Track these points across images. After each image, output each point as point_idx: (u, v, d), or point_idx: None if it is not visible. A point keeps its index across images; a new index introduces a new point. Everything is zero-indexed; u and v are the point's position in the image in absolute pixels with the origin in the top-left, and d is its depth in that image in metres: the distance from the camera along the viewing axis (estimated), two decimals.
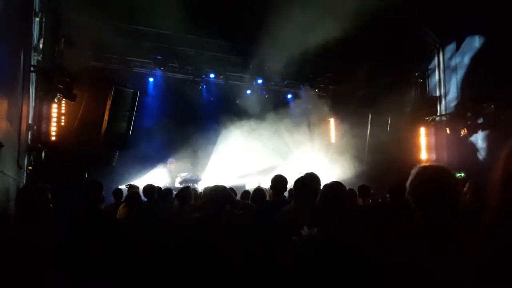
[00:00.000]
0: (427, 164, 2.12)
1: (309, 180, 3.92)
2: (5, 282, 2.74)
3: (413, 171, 2.07)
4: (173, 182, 12.27)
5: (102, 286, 3.17)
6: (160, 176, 12.43)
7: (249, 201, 5.33)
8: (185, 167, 13.23)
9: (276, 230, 3.37)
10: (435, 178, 1.98)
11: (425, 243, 1.87)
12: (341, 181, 4.07)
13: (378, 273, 1.96)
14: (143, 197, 6.23)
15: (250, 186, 10.98)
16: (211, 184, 7.76)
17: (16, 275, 2.75)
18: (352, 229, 2.60)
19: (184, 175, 12.42)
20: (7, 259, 2.80)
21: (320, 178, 4.68)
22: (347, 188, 5.33)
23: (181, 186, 11.69)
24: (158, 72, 12.90)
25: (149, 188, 6.13)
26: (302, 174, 4.45)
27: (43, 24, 7.73)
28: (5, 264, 2.77)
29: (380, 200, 5.83)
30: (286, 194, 4.93)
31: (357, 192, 5.91)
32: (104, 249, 3.21)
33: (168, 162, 12.76)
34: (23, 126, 6.09)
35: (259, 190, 4.96)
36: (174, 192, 7.07)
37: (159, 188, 6.81)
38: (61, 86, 7.72)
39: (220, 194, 4.05)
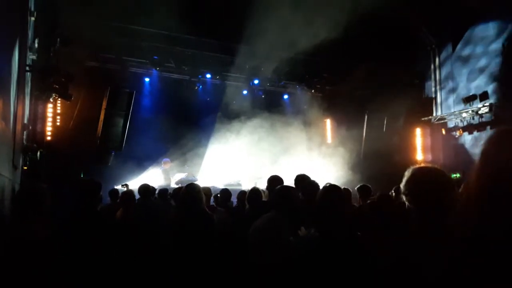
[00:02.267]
0: (421, 165, 2.14)
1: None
2: (3, 282, 2.72)
3: (408, 172, 2.08)
4: (168, 181, 12.21)
5: (100, 286, 3.16)
6: (155, 176, 12.39)
7: (246, 201, 5.32)
8: (181, 167, 13.20)
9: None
10: (432, 179, 1.99)
11: (422, 243, 1.88)
12: (337, 182, 4.08)
13: (377, 273, 1.97)
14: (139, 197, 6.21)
15: (246, 187, 10.97)
16: (208, 184, 7.78)
17: (13, 275, 2.74)
18: (349, 229, 2.60)
19: (180, 175, 12.40)
20: (4, 258, 2.79)
21: (315, 179, 4.71)
22: (343, 188, 5.34)
23: (178, 186, 11.67)
24: (154, 72, 12.88)
25: (145, 188, 6.10)
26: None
27: (39, 24, 7.69)
28: (3, 264, 2.76)
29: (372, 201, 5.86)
30: None
31: (358, 193, 5.91)
32: (102, 249, 3.20)
33: (162, 162, 12.70)
34: (18, 126, 6.06)
35: (255, 191, 4.95)
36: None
37: (154, 188, 6.79)
38: (57, 86, 7.69)
39: (192, 194, 4.04)
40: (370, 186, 6.17)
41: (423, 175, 2.03)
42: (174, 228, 3.92)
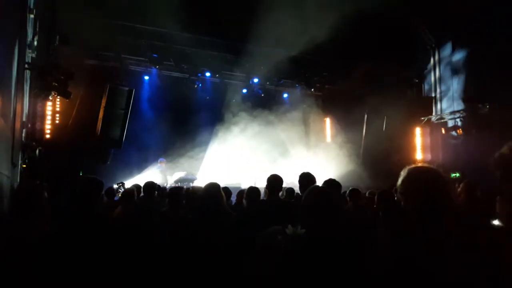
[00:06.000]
0: (417, 165, 2.14)
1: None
2: (0, 281, 2.72)
3: (404, 172, 2.08)
4: (165, 181, 12.21)
5: (98, 285, 3.15)
6: (153, 175, 12.39)
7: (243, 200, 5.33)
8: (180, 166, 13.20)
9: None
10: (429, 179, 1.99)
11: (420, 242, 1.87)
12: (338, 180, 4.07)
13: (372, 273, 1.97)
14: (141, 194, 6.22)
15: (246, 186, 10.97)
16: (206, 183, 7.77)
17: (11, 273, 2.73)
18: (340, 228, 2.60)
19: (179, 174, 12.40)
20: (2, 257, 2.79)
21: (315, 177, 4.70)
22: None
23: (176, 185, 11.68)
24: (154, 70, 12.86)
25: (150, 186, 6.09)
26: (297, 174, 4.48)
27: (38, 21, 7.68)
28: (0, 262, 2.76)
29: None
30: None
31: (348, 196, 5.87)
32: (101, 249, 3.18)
33: (159, 161, 12.72)
34: (17, 124, 6.04)
35: (253, 189, 4.95)
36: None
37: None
38: (56, 84, 7.66)
39: (213, 193, 4.03)
40: (359, 189, 6.09)
41: (419, 174, 2.03)
42: (192, 228, 3.91)
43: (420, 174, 2.03)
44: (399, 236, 1.98)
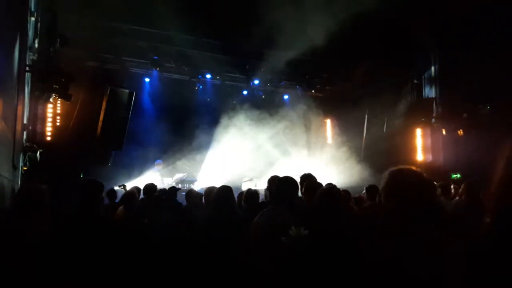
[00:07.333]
0: (399, 167, 2.13)
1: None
2: (1, 282, 2.72)
3: (386, 175, 2.07)
4: (162, 183, 12.16)
5: (98, 286, 3.15)
6: (153, 177, 12.38)
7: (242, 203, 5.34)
8: (180, 167, 13.20)
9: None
10: (416, 181, 2.00)
11: (414, 243, 1.88)
12: (338, 182, 4.07)
13: (368, 272, 1.98)
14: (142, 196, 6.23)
15: (245, 187, 10.97)
16: (207, 184, 7.79)
17: (11, 274, 2.74)
18: (341, 228, 2.62)
19: (180, 175, 12.39)
20: (2, 258, 2.79)
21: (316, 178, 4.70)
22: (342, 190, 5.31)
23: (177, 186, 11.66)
24: (155, 72, 12.86)
25: (150, 188, 6.10)
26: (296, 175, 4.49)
27: (39, 24, 7.71)
28: (1, 264, 2.76)
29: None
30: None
31: (366, 192, 5.88)
32: (101, 250, 3.19)
33: (155, 164, 12.72)
34: (18, 126, 6.06)
35: (252, 191, 4.96)
36: None
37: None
38: (57, 86, 7.67)
39: (225, 195, 4.13)
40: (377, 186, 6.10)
41: (406, 177, 2.04)
42: (207, 228, 3.96)
43: (407, 177, 2.04)
44: (398, 237, 1.98)
